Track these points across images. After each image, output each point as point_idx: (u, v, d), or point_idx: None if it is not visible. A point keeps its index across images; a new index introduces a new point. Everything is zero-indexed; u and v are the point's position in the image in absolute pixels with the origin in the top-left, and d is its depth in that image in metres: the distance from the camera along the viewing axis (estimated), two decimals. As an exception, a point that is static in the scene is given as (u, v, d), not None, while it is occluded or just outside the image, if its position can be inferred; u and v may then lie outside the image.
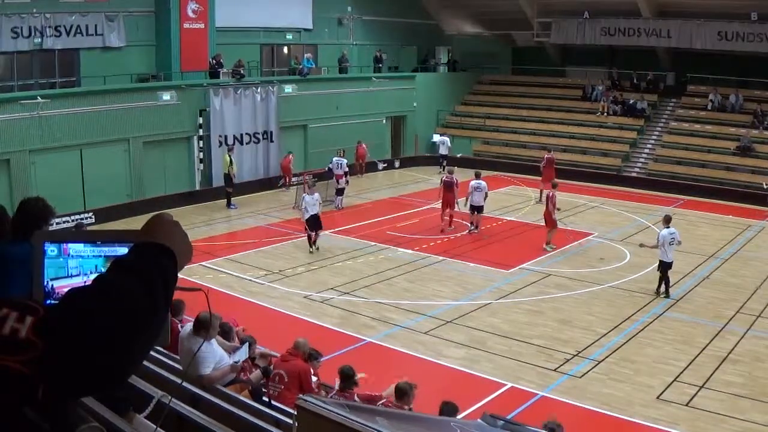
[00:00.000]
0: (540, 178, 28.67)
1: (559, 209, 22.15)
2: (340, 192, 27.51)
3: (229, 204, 27.50)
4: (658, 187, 30.99)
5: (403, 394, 9.01)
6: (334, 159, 28.03)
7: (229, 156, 27.76)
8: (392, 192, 31.17)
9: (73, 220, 20.40)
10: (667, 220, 18.22)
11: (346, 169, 27.85)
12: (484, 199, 23.69)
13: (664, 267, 17.69)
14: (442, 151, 34.55)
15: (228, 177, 27.58)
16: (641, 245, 19.15)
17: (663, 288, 17.79)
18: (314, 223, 21.24)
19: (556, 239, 22.06)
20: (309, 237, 21.49)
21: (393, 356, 14.23)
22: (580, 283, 18.74)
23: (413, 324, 15.95)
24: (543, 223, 22.66)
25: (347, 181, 27.83)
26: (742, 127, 31.95)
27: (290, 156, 30.69)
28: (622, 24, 34.78)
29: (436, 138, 35.68)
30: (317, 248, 21.49)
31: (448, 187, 24.00)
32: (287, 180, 30.63)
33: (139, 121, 26.15)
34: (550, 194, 21.90)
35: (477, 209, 23.74)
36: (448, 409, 8.47)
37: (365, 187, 31.59)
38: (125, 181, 26.00)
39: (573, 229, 24.01)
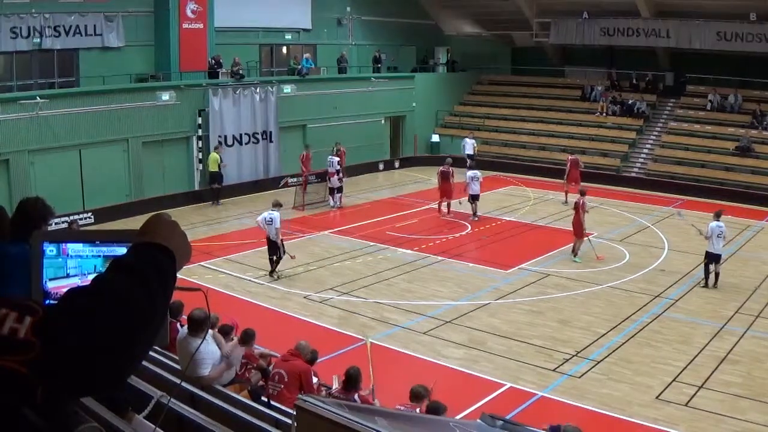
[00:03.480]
0: (563, 181, 29.07)
1: (587, 212, 21.16)
2: (335, 191, 27.47)
3: (217, 201, 28.00)
4: (657, 187, 31.00)
5: (419, 397, 9.04)
6: (329, 157, 28.10)
7: (218, 153, 27.96)
8: (391, 192, 31.18)
9: (72, 219, 20.39)
10: (717, 215, 18.88)
11: (338, 167, 27.71)
12: (480, 186, 25.67)
13: (712, 258, 18.44)
14: (468, 150, 34.44)
15: (218, 175, 27.93)
16: (695, 228, 19.66)
17: (712, 279, 18.51)
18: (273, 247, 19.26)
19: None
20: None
21: (392, 356, 14.22)
22: (580, 284, 18.74)
23: (412, 324, 15.94)
24: (542, 224, 22.68)
25: (340, 179, 27.66)
26: (741, 128, 31.98)
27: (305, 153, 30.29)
28: (621, 24, 34.79)
29: (467, 141, 35.30)
30: (277, 276, 19.26)
31: (445, 177, 25.59)
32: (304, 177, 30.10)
33: (138, 121, 26.18)
34: (580, 202, 20.89)
35: (475, 198, 25.55)
36: (435, 409, 8.50)
37: (364, 187, 31.59)
38: (124, 181, 26.02)
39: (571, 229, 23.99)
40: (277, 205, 19.20)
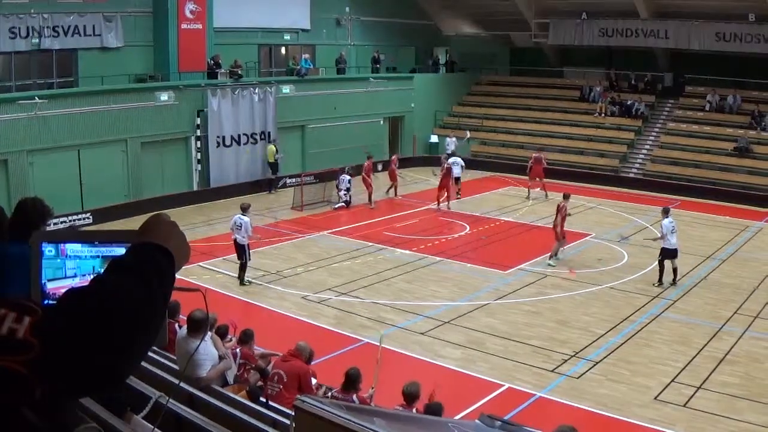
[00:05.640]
0: (527, 177, 29.98)
1: (570, 214, 21.32)
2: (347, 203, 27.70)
3: (269, 189, 30.32)
4: (655, 187, 31.00)
5: (413, 397, 9.00)
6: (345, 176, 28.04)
7: (275, 146, 30.18)
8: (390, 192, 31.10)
9: (70, 221, 20.34)
10: (666, 211, 19.07)
11: (348, 186, 27.64)
12: (462, 170, 28.97)
13: (669, 255, 18.47)
14: (451, 149, 34.61)
15: (274, 165, 30.37)
16: (646, 239, 20.51)
17: (672, 277, 18.56)
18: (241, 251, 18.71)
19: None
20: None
21: (390, 357, 14.20)
22: (578, 284, 18.75)
23: (411, 324, 15.94)
24: (540, 224, 22.77)
25: (344, 194, 27.76)
26: (739, 128, 32.00)
27: (394, 158, 30.87)
28: (620, 25, 34.82)
29: (449, 139, 35.52)
30: (248, 281, 18.79)
31: (448, 173, 27.27)
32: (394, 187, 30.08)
33: (137, 121, 26.18)
34: (561, 205, 20.76)
35: (456, 180, 28.54)
36: (434, 409, 8.48)
37: (362, 187, 31.52)
38: (123, 182, 26.01)
39: (570, 230, 23.98)
40: (245, 209, 18.66)
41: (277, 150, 30.17)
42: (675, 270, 18.58)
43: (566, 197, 21.26)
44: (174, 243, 1.77)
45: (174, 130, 27.83)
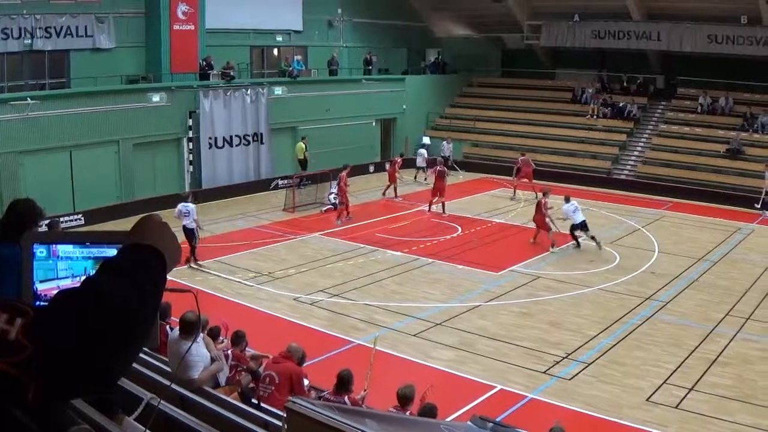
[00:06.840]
0: (513, 178, 30.48)
1: (551, 207, 22.44)
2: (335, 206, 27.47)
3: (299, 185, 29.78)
4: (647, 189, 31.03)
5: (407, 399, 8.99)
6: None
7: (304, 143, 30.77)
8: (382, 194, 31.09)
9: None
10: (566, 199, 22.24)
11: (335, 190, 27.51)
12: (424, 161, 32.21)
13: (577, 227, 21.88)
14: (445, 153, 34.56)
15: (304, 162, 30.70)
16: (561, 221, 22.27)
17: (596, 242, 21.73)
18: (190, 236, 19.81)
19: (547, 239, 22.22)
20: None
21: (382, 358, 14.19)
22: (570, 286, 18.77)
23: (402, 326, 15.92)
24: (532, 226, 22.86)
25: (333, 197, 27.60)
26: (731, 130, 32.09)
27: (399, 159, 30.97)
28: (612, 27, 34.92)
29: (444, 144, 35.40)
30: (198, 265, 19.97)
31: (441, 176, 26.92)
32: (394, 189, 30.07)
33: (129, 122, 26.14)
34: (542, 201, 22.24)
35: (422, 169, 32.49)
36: (428, 411, 8.47)
37: (354, 189, 31.48)
38: (115, 183, 25.98)
39: (562, 231, 24.02)
40: (186, 197, 20.47)
41: (306, 147, 30.68)
42: (593, 238, 21.75)
43: (545, 194, 22.83)
44: (165, 244, 1.77)
45: (166, 131, 27.81)
